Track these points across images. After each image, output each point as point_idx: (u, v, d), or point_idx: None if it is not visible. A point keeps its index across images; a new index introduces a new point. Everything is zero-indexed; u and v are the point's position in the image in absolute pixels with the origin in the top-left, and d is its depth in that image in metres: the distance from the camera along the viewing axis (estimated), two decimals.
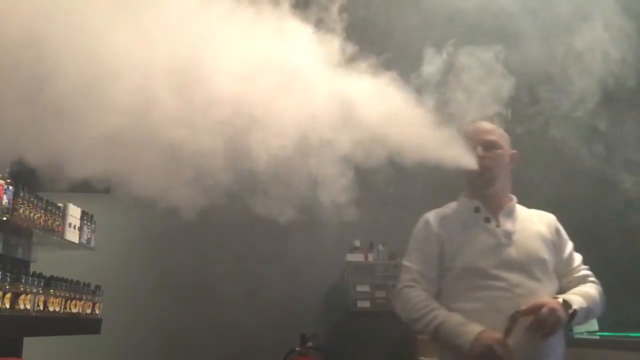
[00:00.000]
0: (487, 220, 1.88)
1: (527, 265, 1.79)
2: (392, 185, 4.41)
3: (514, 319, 1.66)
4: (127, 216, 3.93)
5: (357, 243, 4.59)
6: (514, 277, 1.76)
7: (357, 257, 4.55)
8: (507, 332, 1.64)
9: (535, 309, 1.66)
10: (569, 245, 1.95)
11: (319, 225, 2.70)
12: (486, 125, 1.97)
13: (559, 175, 4.19)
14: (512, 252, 1.81)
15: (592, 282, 1.90)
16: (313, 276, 4.52)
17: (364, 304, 4.49)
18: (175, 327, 4.25)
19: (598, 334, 2.85)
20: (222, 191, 1.76)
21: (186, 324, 4.28)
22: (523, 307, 1.68)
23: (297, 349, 3.96)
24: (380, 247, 4.61)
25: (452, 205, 2.02)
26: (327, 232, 3.64)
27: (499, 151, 1.92)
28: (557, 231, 1.94)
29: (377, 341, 4.42)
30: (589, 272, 1.93)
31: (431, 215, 1.97)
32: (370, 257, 4.58)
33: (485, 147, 1.90)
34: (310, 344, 3.98)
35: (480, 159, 1.88)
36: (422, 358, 4.00)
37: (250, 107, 1.64)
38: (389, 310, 4.47)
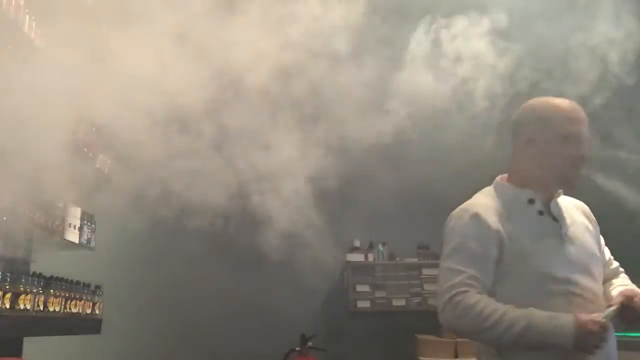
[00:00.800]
0: (540, 213, 1.65)
1: (588, 265, 1.63)
2: (393, 185, 4.44)
3: (623, 305, 1.57)
4: (127, 216, 3.93)
5: (357, 243, 4.59)
6: (582, 280, 1.59)
7: (357, 257, 4.56)
8: (612, 316, 1.55)
9: (630, 298, 1.57)
10: (601, 237, 1.80)
11: (319, 225, 2.70)
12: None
13: None
14: (572, 250, 1.62)
15: (623, 273, 1.79)
16: (313, 276, 4.52)
17: (364, 304, 4.50)
18: (175, 327, 4.25)
19: None
20: (222, 193, 1.76)
21: (186, 325, 4.28)
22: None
23: (297, 349, 3.96)
24: (380, 247, 4.62)
25: (492, 194, 1.71)
26: (327, 232, 3.64)
27: None
28: (594, 221, 1.78)
29: (377, 341, 4.43)
30: (617, 263, 1.81)
31: (480, 209, 1.63)
32: (370, 257, 4.59)
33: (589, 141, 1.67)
34: (310, 344, 3.98)
35: (587, 154, 1.65)
36: (422, 358, 4.00)
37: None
38: (388, 310, 4.54)
